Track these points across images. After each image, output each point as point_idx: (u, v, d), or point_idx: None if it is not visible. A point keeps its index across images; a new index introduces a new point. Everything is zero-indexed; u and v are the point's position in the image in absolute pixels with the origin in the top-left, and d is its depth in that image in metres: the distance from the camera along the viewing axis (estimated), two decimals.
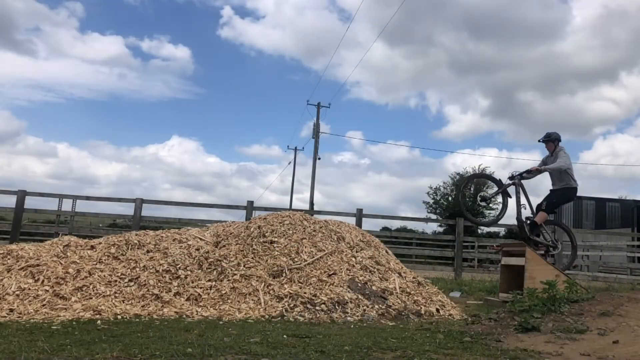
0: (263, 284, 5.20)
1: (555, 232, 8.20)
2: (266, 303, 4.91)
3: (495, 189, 7.56)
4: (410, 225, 32.53)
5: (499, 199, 7.83)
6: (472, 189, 37.16)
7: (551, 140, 7.41)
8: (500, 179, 7.43)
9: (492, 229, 34.47)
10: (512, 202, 7.30)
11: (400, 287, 5.59)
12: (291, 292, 5.06)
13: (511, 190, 7.30)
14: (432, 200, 37.98)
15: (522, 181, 7.31)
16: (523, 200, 7.28)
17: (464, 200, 7.33)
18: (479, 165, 42.85)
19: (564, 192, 7.31)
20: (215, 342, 3.36)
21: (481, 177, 7.81)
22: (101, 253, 5.52)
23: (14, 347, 3.07)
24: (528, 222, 7.20)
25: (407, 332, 4.15)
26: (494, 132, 69.43)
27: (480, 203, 8.07)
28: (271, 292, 5.09)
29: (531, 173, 7.32)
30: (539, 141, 7.53)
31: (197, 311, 4.69)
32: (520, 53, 64.64)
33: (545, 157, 7.46)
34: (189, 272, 5.31)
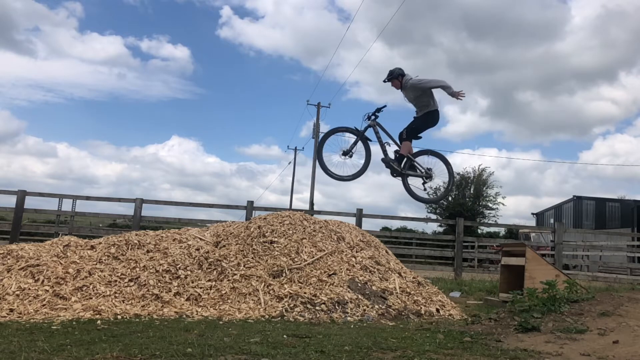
0: (263, 284, 5.20)
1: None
2: (266, 303, 4.91)
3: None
4: (410, 225, 32.51)
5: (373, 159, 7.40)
6: (472, 189, 37.22)
7: (394, 78, 7.24)
8: (355, 127, 7.22)
9: (492, 229, 34.55)
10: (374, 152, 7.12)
11: (400, 287, 5.58)
12: (291, 292, 5.06)
13: (370, 134, 7.15)
14: None
15: (379, 120, 7.17)
16: (385, 138, 7.16)
17: (322, 161, 7.17)
18: (479, 166, 42.91)
19: (425, 116, 7.16)
20: (215, 342, 3.36)
21: (336, 131, 7.70)
22: (101, 253, 5.52)
23: (14, 347, 3.07)
24: (396, 156, 7.07)
25: (407, 332, 4.15)
26: (493, 132, 69.38)
27: (343, 158, 7.85)
28: (271, 292, 5.09)
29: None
30: (383, 81, 7.31)
31: (197, 311, 4.69)
32: (519, 53, 64.67)
33: (404, 96, 7.29)
34: (189, 272, 5.31)
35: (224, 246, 5.89)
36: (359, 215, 10.59)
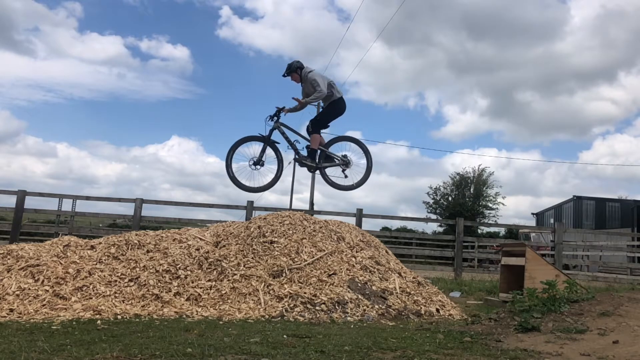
0: (263, 284, 5.20)
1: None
2: (266, 303, 4.91)
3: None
4: (410, 225, 32.54)
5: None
6: (471, 189, 37.22)
7: (293, 71, 7.09)
8: (260, 134, 7.03)
9: (492, 229, 34.55)
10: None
11: (400, 287, 5.58)
12: (291, 292, 5.06)
13: (278, 137, 7.01)
14: (432, 200, 37.96)
15: (283, 120, 7.04)
16: (293, 136, 7.03)
17: (233, 177, 7.03)
18: (479, 165, 42.91)
19: (329, 106, 7.06)
20: (215, 342, 3.36)
21: (242, 143, 7.53)
22: (101, 253, 5.52)
23: (14, 347, 3.07)
24: (309, 152, 6.92)
25: (407, 332, 4.15)
26: (493, 132, 69.30)
27: (255, 168, 7.61)
28: (271, 292, 5.09)
29: (294, 109, 6.99)
30: (283, 76, 7.17)
31: (197, 311, 4.69)
32: (519, 53, 64.61)
33: (302, 89, 7.14)
34: (189, 272, 5.31)
35: (224, 246, 5.89)
36: (359, 215, 10.59)
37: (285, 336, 3.65)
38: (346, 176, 7.30)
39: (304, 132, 7.16)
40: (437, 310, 5.36)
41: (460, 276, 10.56)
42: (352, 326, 4.42)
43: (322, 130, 7.23)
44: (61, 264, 5.23)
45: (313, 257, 5.69)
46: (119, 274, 5.16)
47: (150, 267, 5.29)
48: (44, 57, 69.22)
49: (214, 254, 5.66)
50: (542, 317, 4.28)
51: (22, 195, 10.12)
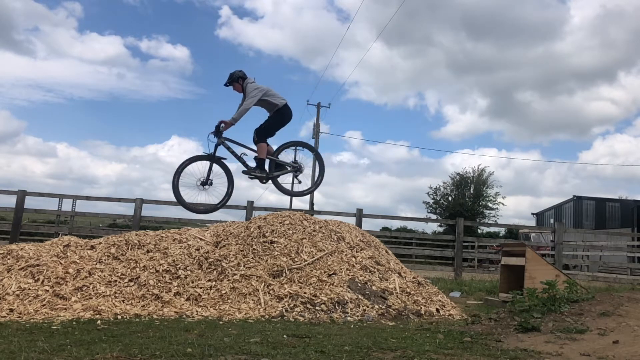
0: (263, 284, 5.20)
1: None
2: (266, 303, 4.91)
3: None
4: (410, 225, 32.53)
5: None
6: (471, 189, 37.20)
7: (235, 81, 6.97)
8: (205, 152, 6.87)
9: (492, 229, 34.56)
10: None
11: (400, 287, 5.58)
12: (291, 292, 5.06)
13: (224, 152, 6.85)
14: (432, 200, 37.97)
15: (226, 135, 6.83)
16: (239, 149, 6.90)
17: (182, 200, 6.95)
18: (478, 165, 42.91)
19: (274, 114, 6.94)
20: (215, 342, 3.36)
21: (187, 164, 7.46)
22: (101, 253, 5.52)
23: (14, 347, 3.07)
24: (257, 163, 6.78)
25: (407, 332, 4.15)
26: (493, 132, 69.34)
27: (203, 189, 7.52)
28: (271, 292, 5.09)
29: (229, 124, 6.79)
30: (224, 85, 7.04)
31: (197, 311, 4.69)
32: (518, 53, 64.61)
33: (242, 100, 6.96)
34: (189, 272, 5.31)
35: (224, 246, 5.89)
36: (359, 215, 10.59)
37: (285, 336, 3.65)
38: (300, 181, 7.22)
39: (249, 144, 7.01)
40: (437, 310, 5.36)
41: (460, 276, 10.56)
42: (352, 326, 4.42)
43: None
44: (61, 264, 5.23)
45: (313, 257, 5.69)
46: (119, 274, 5.16)
47: (150, 267, 5.29)
48: (44, 57, 69.27)
49: (214, 254, 5.66)
50: (542, 317, 4.28)
51: (22, 195, 10.12)
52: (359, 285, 5.40)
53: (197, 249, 5.71)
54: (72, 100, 72.89)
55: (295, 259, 5.60)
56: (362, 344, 3.44)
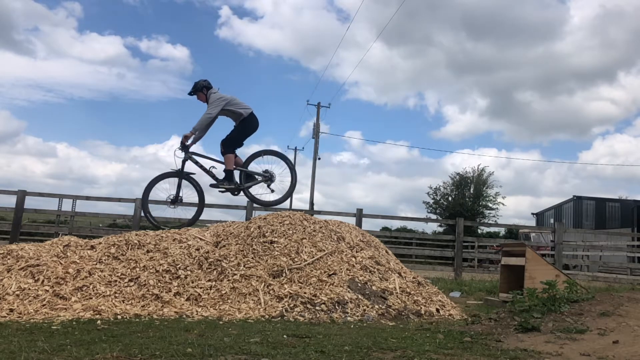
0: (263, 284, 5.20)
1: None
2: (266, 303, 4.91)
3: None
4: (410, 225, 32.58)
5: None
6: (471, 189, 37.19)
7: (199, 91, 6.93)
8: (173, 169, 6.89)
9: (492, 229, 34.56)
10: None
11: (400, 287, 5.58)
12: (291, 292, 5.06)
13: (192, 167, 6.87)
14: (432, 200, 37.99)
15: (193, 149, 6.88)
16: (208, 163, 6.87)
17: (151, 220, 6.95)
18: (478, 165, 42.91)
19: (240, 124, 6.93)
20: (215, 342, 3.35)
21: (156, 182, 7.45)
22: (101, 253, 5.52)
23: (14, 347, 3.07)
24: (226, 175, 6.77)
25: (407, 332, 4.15)
26: (493, 132, 69.45)
27: (174, 207, 7.52)
28: (271, 292, 5.09)
29: (191, 139, 6.78)
30: (189, 94, 6.99)
31: (197, 311, 4.69)
32: (518, 53, 64.66)
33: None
34: (189, 272, 5.31)
35: (224, 246, 5.89)
36: (359, 215, 10.59)
37: (285, 336, 3.65)
38: (272, 190, 7.23)
39: (217, 156, 6.98)
40: (437, 310, 5.36)
41: (460, 276, 10.56)
42: (352, 326, 4.42)
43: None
44: (61, 264, 5.23)
45: (313, 257, 5.69)
46: (119, 274, 5.16)
47: (150, 267, 5.29)
48: (44, 57, 69.30)
49: (214, 254, 5.66)
50: (542, 317, 4.28)
51: (22, 195, 10.12)
52: (359, 285, 5.40)
53: (197, 249, 5.70)
54: (72, 100, 72.95)
55: (295, 259, 5.60)
56: (362, 344, 3.44)
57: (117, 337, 3.43)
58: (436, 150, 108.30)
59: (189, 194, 7.06)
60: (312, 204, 30.16)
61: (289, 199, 7.47)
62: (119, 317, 4.36)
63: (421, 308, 5.31)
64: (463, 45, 63.63)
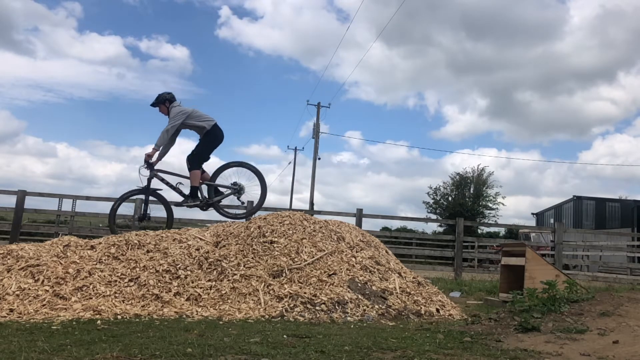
0: (263, 284, 5.20)
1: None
2: (266, 303, 4.91)
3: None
4: (410, 225, 32.59)
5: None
6: (471, 189, 37.17)
7: (161, 103, 6.84)
8: (139, 187, 6.79)
9: (492, 229, 34.55)
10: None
11: (400, 287, 5.58)
12: (291, 292, 5.06)
13: (159, 183, 6.82)
14: (432, 200, 37.99)
15: (157, 167, 6.82)
16: (174, 179, 6.81)
17: (112, 222, 6.92)
18: (478, 165, 42.92)
19: (203, 138, 6.86)
20: (215, 342, 3.35)
21: (123, 200, 7.41)
22: (101, 253, 5.52)
23: (14, 347, 3.07)
24: (192, 191, 6.68)
25: (407, 332, 4.15)
26: (493, 132, 69.50)
27: (140, 225, 7.51)
28: (271, 292, 5.09)
29: (155, 157, 6.71)
30: (151, 105, 6.93)
31: (197, 311, 4.69)
32: (518, 53, 64.71)
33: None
34: (189, 272, 5.31)
35: (224, 246, 5.89)
36: (359, 215, 10.59)
37: (285, 336, 3.65)
38: (243, 202, 7.19)
39: (184, 172, 6.90)
40: (437, 310, 5.36)
41: (460, 276, 10.56)
42: (352, 326, 4.42)
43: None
44: (61, 264, 5.23)
45: (313, 257, 5.69)
46: (119, 274, 5.15)
47: (150, 267, 5.29)
48: (44, 57, 69.32)
49: (214, 254, 5.66)
50: (542, 317, 4.29)
51: (22, 195, 10.12)
52: (359, 285, 5.40)
53: (197, 249, 5.70)
54: (72, 100, 72.96)
55: (295, 259, 5.60)
56: (362, 344, 3.44)
57: (117, 337, 3.43)
58: (436, 150, 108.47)
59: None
60: (312, 204, 30.17)
61: (259, 210, 7.42)
62: (119, 317, 4.36)
63: (421, 308, 5.31)
64: (463, 45, 63.68)
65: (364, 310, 4.98)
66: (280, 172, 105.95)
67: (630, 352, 3.34)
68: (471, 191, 37.64)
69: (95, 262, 5.34)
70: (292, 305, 4.88)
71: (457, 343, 3.65)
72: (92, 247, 5.68)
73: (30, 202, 11.03)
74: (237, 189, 7.02)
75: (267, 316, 4.66)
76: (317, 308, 4.87)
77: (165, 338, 3.44)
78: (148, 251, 5.62)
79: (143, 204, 6.92)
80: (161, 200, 7.00)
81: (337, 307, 4.93)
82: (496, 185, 37.79)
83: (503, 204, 38.23)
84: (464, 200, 36.44)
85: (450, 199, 37.54)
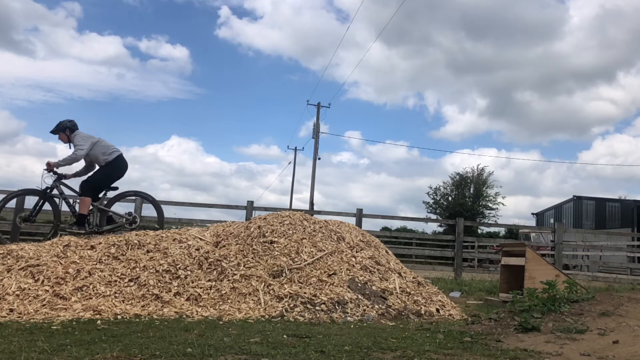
0: (263, 284, 5.20)
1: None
2: (266, 303, 4.91)
3: None
4: (410, 225, 32.53)
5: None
6: (471, 189, 37.19)
7: (61, 131, 6.69)
8: (39, 187, 6.70)
9: (492, 229, 34.55)
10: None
11: (400, 287, 5.58)
12: (291, 292, 5.06)
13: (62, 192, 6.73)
14: (432, 200, 37.98)
15: (64, 180, 6.78)
16: (72, 198, 6.70)
17: None
18: (478, 165, 42.91)
19: (104, 167, 6.71)
20: (215, 342, 3.35)
21: (15, 196, 7.29)
22: (101, 253, 5.52)
23: (14, 347, 3.07)
24: (78, 219, 6.49)
25: (407, 332, 4.15)
26: (492, 132, 69.43)
27: (23, 225, 7.32)
28: (271, 292, 5.09)
29: (52, 166, 6.58)
30: (50, 132, 6.79)
31: (197, 311, 4.69)
32: (517, 53, 64.66)
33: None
34: (189, 272, 5.31)
35: (224, 246, 5.89)
36: (359, 215, 10.59)
37: (285, 336, 3.65)
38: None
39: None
40: (437, 310, 5.36)
41: (460, 276, 10.56)
42: (352, 326, 4.42)
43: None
44: (61, 264, 5.23)
45: (313, 257, 5.69)
46: (119, 274, 5.16)
47: (150, 267, 5.29)
48: (44, 57, 69.24)
49: (214, 254, 5.66)
50: (542, 317, 4.29)
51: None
52: (359, 285, 5.40)
53: (197, 249, 5.71)
54: (72, 100, 72.88)
55: (295, 259, 5.60)
56: (362, 344, 3.44)
57: (117, 337, 3.43)
58: (436, 150, 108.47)
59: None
60: (312, 204, 30.15)
61: None
62: (119, 317, 4.36)
63: (421, 308, 5.31)
64: (462, 45, 63.65)
65: (364, 310, 4.98)
66: (280, 172, 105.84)
67: (630, 352, 3.34)
68: (471, 191, 37.64)
69: (95, 262, 5.34)
70: (292, 305, 4.88)
71: (457, 343, 3.65)
72: (92, 247, 5.69)
73: (30, 202, 10.99)
74: (131, 220, 6.88)
75: (267, 316, 4.66)
76: (317, 308, 4.87)
77: (165, 338, 3.44)
78: (148, 251, 5.63)
79: (36, 206, 6.76)
80: (53, 207, 6.81)
81: (337, 307, 4.93)
82: (496, 185, 37.83)
83: (503, 204, 38.27)
84: (464, 200, 36.43)
85: (450, 199, 37.54)
